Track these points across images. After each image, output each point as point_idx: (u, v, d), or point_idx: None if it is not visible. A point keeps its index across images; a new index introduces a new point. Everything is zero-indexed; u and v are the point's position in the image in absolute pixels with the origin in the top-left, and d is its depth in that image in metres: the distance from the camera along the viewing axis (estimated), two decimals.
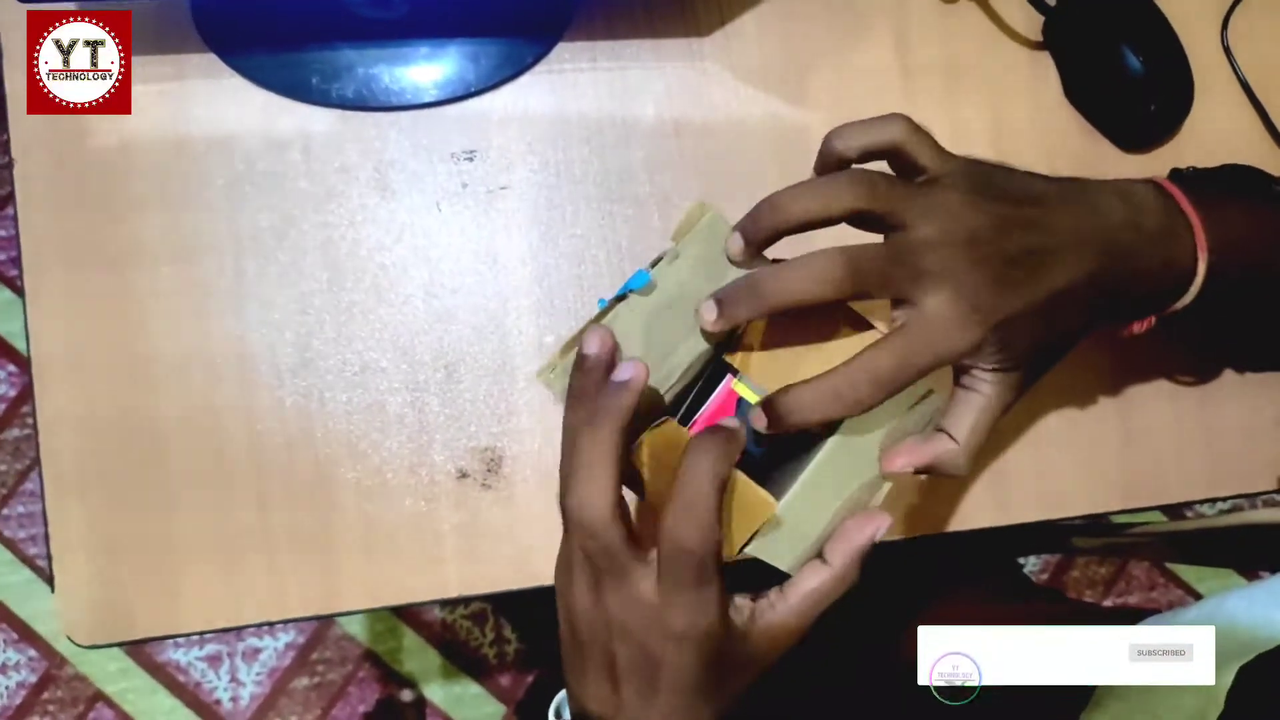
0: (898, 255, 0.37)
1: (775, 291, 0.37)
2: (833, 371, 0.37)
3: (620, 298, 0.40)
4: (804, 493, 0.38)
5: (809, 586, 0.37)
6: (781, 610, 0.37)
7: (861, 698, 0.66)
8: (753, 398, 0.40)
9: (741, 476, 0.37)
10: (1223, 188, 0.47)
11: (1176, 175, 0.53)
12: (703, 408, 0.41)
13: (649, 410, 0.38)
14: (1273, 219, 0.46)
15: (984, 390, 0.40)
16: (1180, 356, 0.57)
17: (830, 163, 0.40)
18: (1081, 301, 0.39)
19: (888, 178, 0.38)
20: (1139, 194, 0.42)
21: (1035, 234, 0.38)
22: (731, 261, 0.40)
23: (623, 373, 0.36)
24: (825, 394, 0.37)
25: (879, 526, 0.38)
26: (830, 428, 0.40)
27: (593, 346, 0.37)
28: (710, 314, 0.38)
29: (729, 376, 0.41)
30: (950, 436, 0.41)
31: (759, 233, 0.38)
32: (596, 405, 0.36)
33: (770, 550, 0.38)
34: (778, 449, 0.42)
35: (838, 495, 0.39)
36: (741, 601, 0.38)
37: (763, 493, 0.38)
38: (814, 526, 0.39)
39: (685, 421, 0.41)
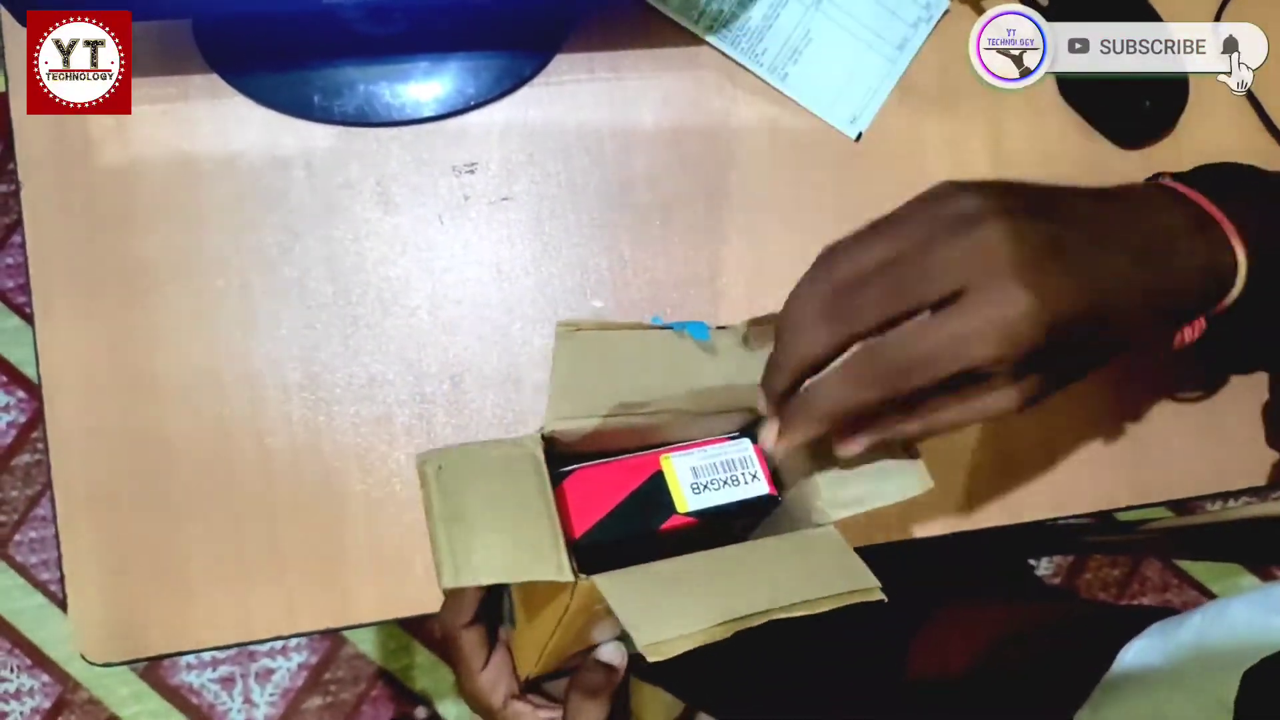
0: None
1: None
2: (856, 353, 0.34)
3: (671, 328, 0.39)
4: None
5: None
6: None
7: (868, 701, 0.65)
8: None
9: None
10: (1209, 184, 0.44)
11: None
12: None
13: None
14: None
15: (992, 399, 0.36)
16: (1187, 355, 0.57)
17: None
18: (1135, 302, 0.36)
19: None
20: (1150, 195, 0.40)
21: (1080, 224, 0.35)
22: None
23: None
24: (849, 379, 0.35)
25: None
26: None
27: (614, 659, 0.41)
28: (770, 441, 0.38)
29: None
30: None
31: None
32: None
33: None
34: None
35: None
36: None
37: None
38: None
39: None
